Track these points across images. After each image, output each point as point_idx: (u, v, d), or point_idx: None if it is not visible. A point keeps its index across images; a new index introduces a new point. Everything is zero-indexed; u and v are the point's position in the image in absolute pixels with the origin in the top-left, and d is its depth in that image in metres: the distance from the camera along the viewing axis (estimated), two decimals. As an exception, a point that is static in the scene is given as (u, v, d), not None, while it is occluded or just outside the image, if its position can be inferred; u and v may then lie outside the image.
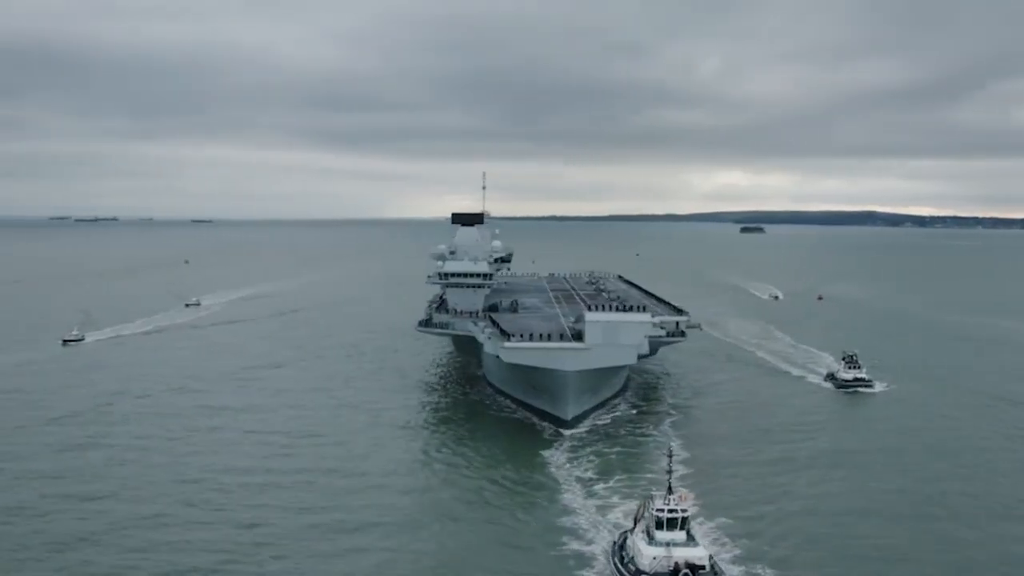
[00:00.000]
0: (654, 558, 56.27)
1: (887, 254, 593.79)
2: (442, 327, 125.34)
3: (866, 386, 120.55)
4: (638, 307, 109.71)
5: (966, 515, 72.92)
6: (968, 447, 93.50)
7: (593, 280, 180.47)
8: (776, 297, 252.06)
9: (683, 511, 58.34)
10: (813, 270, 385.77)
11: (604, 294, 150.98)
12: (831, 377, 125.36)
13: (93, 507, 72.68)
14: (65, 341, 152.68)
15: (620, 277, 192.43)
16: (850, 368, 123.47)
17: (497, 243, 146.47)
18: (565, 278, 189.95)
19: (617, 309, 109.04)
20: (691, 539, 58.15)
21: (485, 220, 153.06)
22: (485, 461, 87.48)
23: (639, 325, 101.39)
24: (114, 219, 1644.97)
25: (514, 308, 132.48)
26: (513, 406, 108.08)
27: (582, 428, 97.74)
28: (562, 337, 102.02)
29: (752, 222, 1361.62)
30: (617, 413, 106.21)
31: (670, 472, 61.34)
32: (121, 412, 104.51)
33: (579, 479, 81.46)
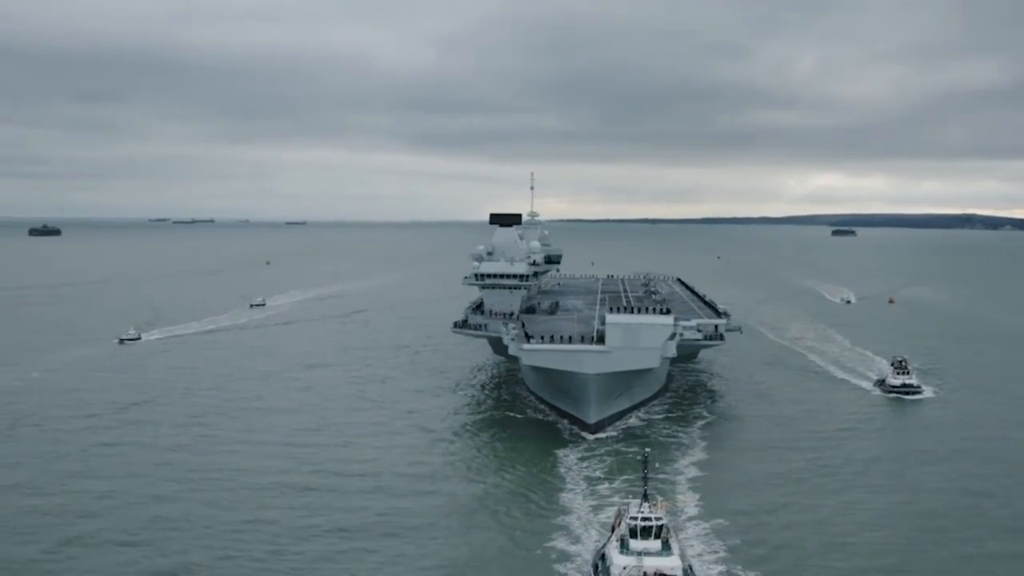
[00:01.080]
0: (624, 567, 54.52)
1: (977, 257, 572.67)
2: (476, 328, 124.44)
3: (914, 392, 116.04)
4: (662, 309, 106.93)
5: (989, 529, 69.32)
6: (1005, 457, 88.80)
7: (646, 281, 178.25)
8: (848, 301, 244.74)
9: (658, 519, 56.41)
10: (896, 273, 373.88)
11: (653, 296, 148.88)
12: (880, 383, 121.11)
13: (105, 502, 74.25)
14: (121, 340, 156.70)
15: (678, 280, 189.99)
16: (899, 374, 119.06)
17: (535, 244, 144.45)
18: (621, 280, 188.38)
19: (648, 311, 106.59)
20: (666, 548, 56.08)
21: (524, 221, 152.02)
22: (498, 462, 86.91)
23: (661, 328, 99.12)
24: (211, 221, 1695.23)
25: (553, 310, 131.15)
26: (544, 408, 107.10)
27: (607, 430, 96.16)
28: (583, 339, 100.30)
29: (847, 225, 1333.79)
30: (650, 415, 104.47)
31: (645, 479, 59.40)
32: (152, 410, 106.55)
33: (587, 478, 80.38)
